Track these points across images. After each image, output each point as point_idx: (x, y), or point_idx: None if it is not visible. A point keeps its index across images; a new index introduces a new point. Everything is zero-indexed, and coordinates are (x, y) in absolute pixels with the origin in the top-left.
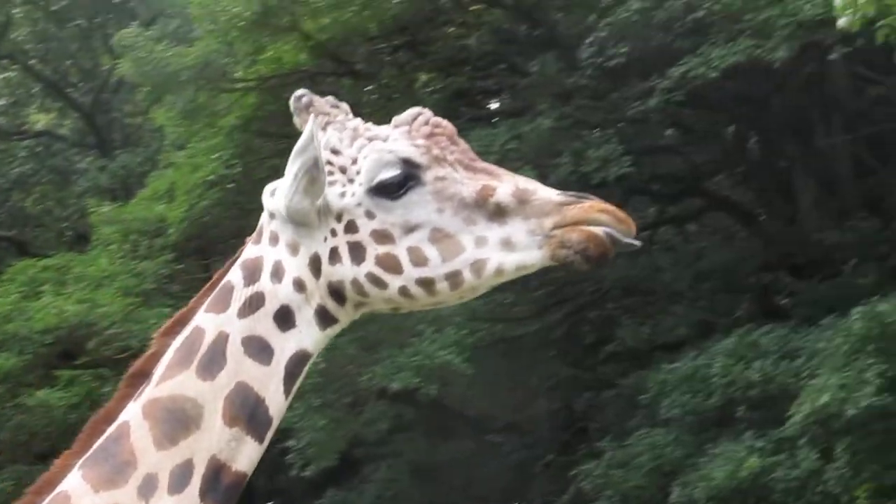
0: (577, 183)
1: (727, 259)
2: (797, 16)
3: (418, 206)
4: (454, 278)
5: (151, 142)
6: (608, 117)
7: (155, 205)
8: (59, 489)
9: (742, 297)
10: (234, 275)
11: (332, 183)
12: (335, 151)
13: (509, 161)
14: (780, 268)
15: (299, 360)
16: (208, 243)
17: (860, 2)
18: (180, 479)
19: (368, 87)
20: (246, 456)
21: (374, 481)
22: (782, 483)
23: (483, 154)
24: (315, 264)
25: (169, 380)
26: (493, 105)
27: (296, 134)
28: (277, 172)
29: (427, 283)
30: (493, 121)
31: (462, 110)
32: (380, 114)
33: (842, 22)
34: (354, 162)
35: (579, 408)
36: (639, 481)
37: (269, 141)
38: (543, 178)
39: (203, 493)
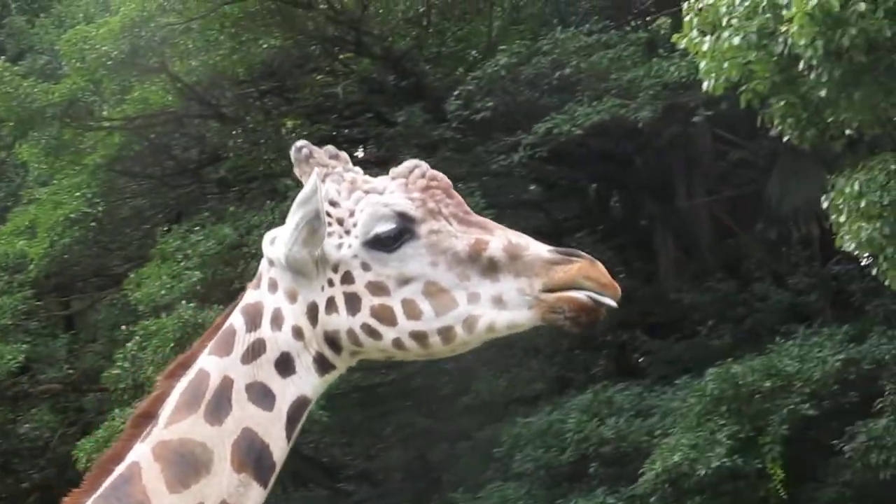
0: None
1: None
2: (662, 77)
3: (413, 259)
4: (446, 333)
5: (15, 177)
6: (473, 170)
7: (16, 240)
8: None
9: (599, 354)
10: (236, 319)
11: (330, 234)
12: (333, 203)
13: None
14: (638, 326)
15: (299, 405)
16: (68, 280)
17: (724, 66)
18: None
19: (235, 131)
20: (253, 501)
21: None
22: None
23: None
24: (312, 313)
25: (177, 423)
26: (359, 154)
27: (157, 175)
28: (140, 213)
29: (420, 337)
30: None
31: None
32: (245, 158)
33: (706, 85)
34: (352, 214)
35: (434, 458)
36: None
37: (133, 181)
38: None
39: None
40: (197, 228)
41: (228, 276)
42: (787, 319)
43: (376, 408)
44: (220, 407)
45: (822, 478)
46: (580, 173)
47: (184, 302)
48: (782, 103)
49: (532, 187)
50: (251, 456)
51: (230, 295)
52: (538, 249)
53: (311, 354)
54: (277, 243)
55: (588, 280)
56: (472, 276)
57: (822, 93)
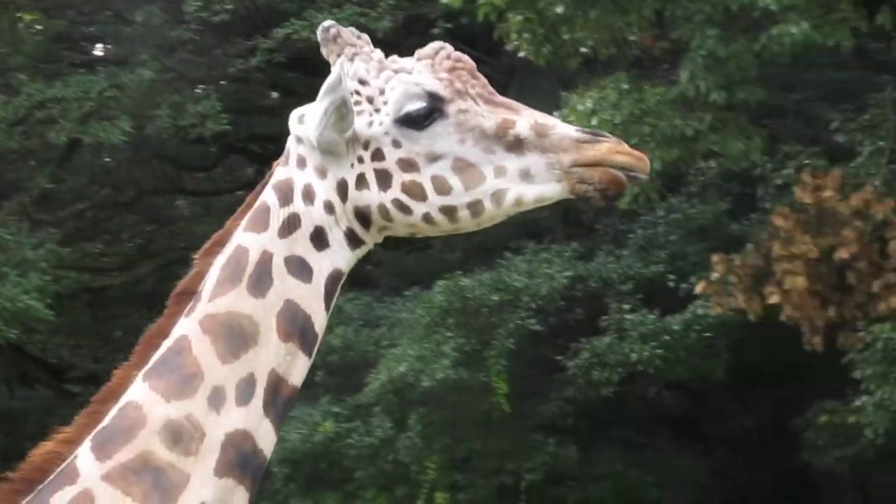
0: (174, 137)
1: None
2: None
3: (442, 137)
4: (475, 207)
5: None
6: (211, 73)
7: None
8: (125, 399)
9: None
10: (269, 196)
11: (359, 112)
12: (362, 82)
13: (107, 109)
14: None
15: (335, 278)
16: None
17: None
18: (246, 391)
19: None
20: (299, 370)
21: None
22: (355, 449)
23: (81, 100)
24: (342, 189)
25: (221, 297)
26: (96, 51)
27: None
28: None
29: (449, 211)
30: (95, 68)
31: (64, 54)
32: None
33: None
34: (381, 93)
35: None
36: None
37: None
38: (140, 129)
39: (266, 406)
40: None
41: None
42: (517, 236)
43: (106, 310)
44: (261, 280)
45: (546, 393)
46: (320, 82)
47: None
48: (519, 18)
49: (272, 94)
50: (296, 327)
51: None
52: (565, 128)
53: (341, 229)
54: (307, 123)
55: (619, 156)
56: (499, 152)
57: (559, 9)
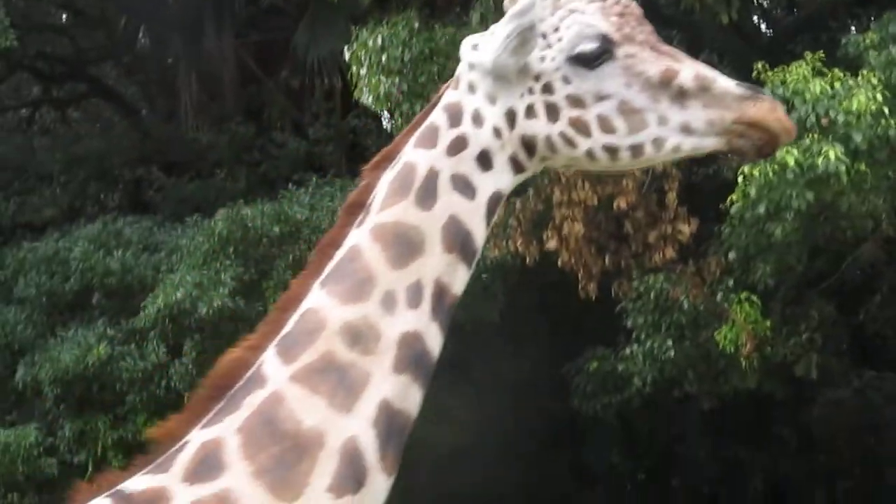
0: None
1: (103, 147)
2: None
3: (609, 78)
4: (636, 149)
5: None
6: None
7: None
8: (305, 306)
9: (113, 187)
10: (438, 116)
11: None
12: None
13: None
14: (155, 162)
15: (496, 199)
16: None
17: None
18: (415, 296)
19: None
20: (461, 280)
21: None
22: (128, 373)
23: None
24: (510, 117)
25: (390, 208)
26: None
27: None
28: None
29: (612, 150)
30: None
31: None
32: None
33: None
34: (556, 30)
35: None
36: None
37: None
38: None
39: (433, 312)
40: None
41: None
42: (301, 168)
43: None
44: (428, 194)
45: None
46: (109, 3)
47: None
48: None
49: (61, 14)
50: (458, 240)
51: None
52: (727, 83)
53: (506, 154)
54: (482, 49)
55: (774, 122)
56: (663, 101)
57: None
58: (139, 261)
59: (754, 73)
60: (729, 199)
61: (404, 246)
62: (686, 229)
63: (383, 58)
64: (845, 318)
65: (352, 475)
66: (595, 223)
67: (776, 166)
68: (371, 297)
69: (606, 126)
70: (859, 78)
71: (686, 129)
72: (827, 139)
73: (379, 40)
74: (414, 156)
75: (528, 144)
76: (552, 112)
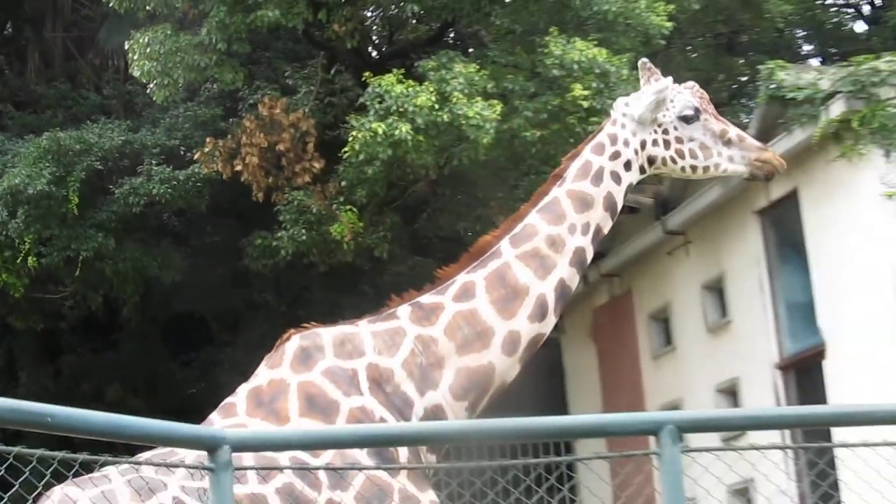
0: None
1: None
2: None
3: (696, 130)
4: (705, 168)
5: None
6: None
7: None
8: (526, 221)
9: None
10: (603, 138)
11: None
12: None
13: None
14: (7, 101)
15: (631, 187)
16: None
17: None
18: (585, 229)
19: None
20: (608, 227)
21: None
22: None
23: None
24: (643, 144)
25: (577, 181)
26: None
27: None
28: None
29: (693, 168)
30: None
31: None
32: None
33: None
34: (672, 101)
35: None
36: None
37: None
38: None
39: (593, 240)
40: None
41: None
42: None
43: None
44: (597, 179)
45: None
46: None
47: None
48: None
49: None
50: (610, 205)
51: None
52: (752, 140)
53: (638, 164)
54: (632, 106)
55: (775, 160)
56: (720, 145)
57: None
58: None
59: (363, 78)
60: (343, 150)
61: (584, 203)
62: (317, 165)
63: (148, 50)
64: (407, 225)
65: (539, 313)
66: (265, 157)
67: (371, 133)
68: (563, 224)
69: (693, 155)
70: (423, 85)
71: (730, 160)
72: (402, 119)
73: (146, 39)
74: (590, 157)
75: (651, 160)
76: (666, 145)
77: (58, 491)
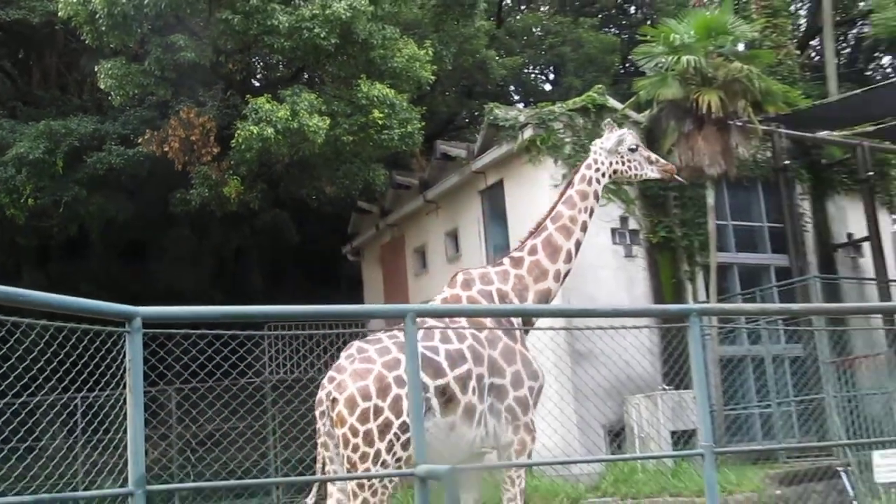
0: None
1: None
2: None
3: (637, 156)
4: (642, 176)
5: None
6: None
7: None
8: (556, 210)
9: None
10: (590, 160)
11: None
12: (618, 139)
13: None
14: None
15: (603, 186)
16: None
17: None
18: (585, 209)
19: None
20: (595, 207)
21: None
22: None
23: None
24: (611, 164)
25: (580, 184)
26: None
27: None
28: None
29: (636, 175)
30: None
31: None
32: None
33: None
34: (623, 140)
35: None
36: None
37: None
38: None
39: (589, 216)
40: None
41: None
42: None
43: None
44: (589, 183)
45: None
46: None
47: None
48: None
49: None
50: (596, 196)
51: None
52: (662, 160)
53: (608, 174)
54: (604, 141)
55: (672, 168)
56: (647, 163)
57: None
58: None
59: (246, 99)
60: (232, 142)
61: (584, 196)
62: (216, 150)
63: (111, 72)
64: (271, 190)
65: (567, 258)
66: (183, 144)
67: (250, 132)
68: (576, 209)
69: (635, 169)
70: (282, 105)
71: (652, 171)
72: (269, 125)
73: (110, 65)
74: (584, 171)
75: (614, 171)
76: (622, 163)
77: (355, 344)
